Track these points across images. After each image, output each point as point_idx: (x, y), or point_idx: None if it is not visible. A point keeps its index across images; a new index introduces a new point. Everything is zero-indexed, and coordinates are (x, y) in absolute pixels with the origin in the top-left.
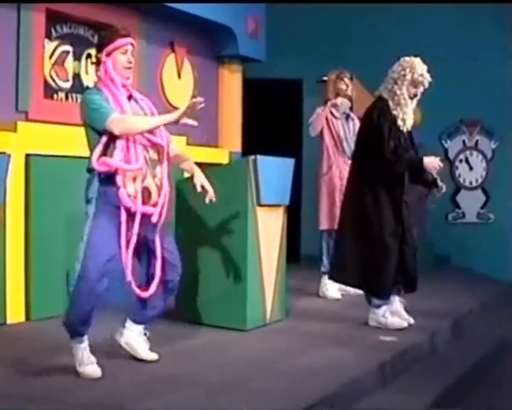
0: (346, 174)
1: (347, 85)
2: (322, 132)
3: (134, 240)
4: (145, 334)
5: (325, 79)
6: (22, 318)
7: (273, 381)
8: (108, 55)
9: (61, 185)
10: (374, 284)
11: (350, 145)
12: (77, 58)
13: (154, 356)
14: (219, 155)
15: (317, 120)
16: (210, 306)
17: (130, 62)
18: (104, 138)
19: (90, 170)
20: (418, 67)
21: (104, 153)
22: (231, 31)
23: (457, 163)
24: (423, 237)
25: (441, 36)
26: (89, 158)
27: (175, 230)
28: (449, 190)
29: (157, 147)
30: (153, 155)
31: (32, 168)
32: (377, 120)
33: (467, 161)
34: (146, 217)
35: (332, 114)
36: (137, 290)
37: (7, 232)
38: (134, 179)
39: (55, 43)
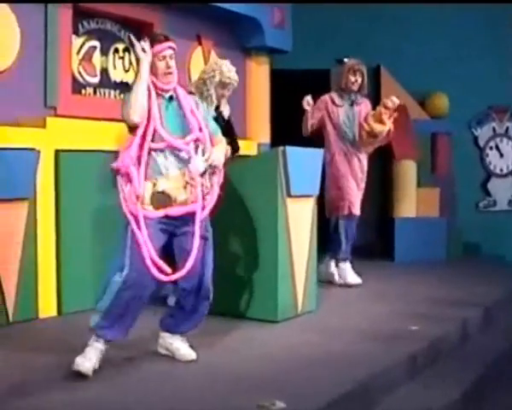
0: (352, 159)
1: (356, 81)
2: (323, 122)
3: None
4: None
5: (346, 60)
6: (54, 312)
7: (305, 372)
8: None
9: (90, 180)
10: None
11: (353, 131)
12: (104, 53)
13: (192, 355)
14: (248, 147)
15: (304, 121)
16: (241, 297)
17: (169, 67)
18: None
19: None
20: (226, 70)
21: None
22: (257, 22)
23: (488, 150)
24: (453, 225)
25: (468, 23)
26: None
27: None
28: (480, 177)
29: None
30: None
31: (61, 163)
32: None
33: (497, 147)
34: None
35: (333, 102)
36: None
37: (38, 227)
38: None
39: (82, 39)
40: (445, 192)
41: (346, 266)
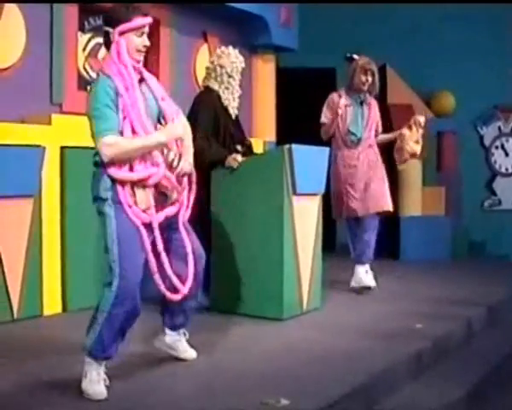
0: (358, 158)
1: (367, 80)
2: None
3: (160, 246)
4: (184, 333)
5: (355, 56)
6: (59, 309)
7: (308, 370)
8: (122, 34)
9: None
10: None
11: (361, 131)
12: None
13: (192, 354)
14: (254, 145)
15: (328, 125)
16: (246, 295)
17: (146, 46)
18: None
19: (99, 164)
20: (242, 57)
21: None
22: (264, 20)
23: (493, 150)
24: (458, 224)
25: (473, 22)
26: (94, 149)
27: (210, 219)
28: (485, 176)
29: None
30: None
31: (66, 160)
32: (199, 110)
33: (503, 147)
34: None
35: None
36: (168, 294)
37: (43, 224)
38: (144, 186)
39: (88, 36)
40: (451, 191)
41: (358, 270)
